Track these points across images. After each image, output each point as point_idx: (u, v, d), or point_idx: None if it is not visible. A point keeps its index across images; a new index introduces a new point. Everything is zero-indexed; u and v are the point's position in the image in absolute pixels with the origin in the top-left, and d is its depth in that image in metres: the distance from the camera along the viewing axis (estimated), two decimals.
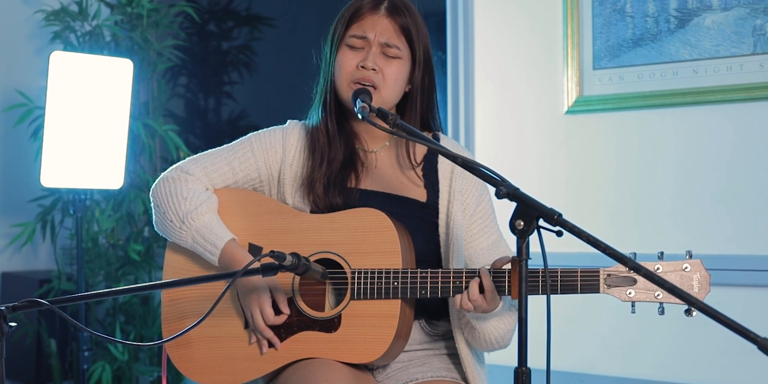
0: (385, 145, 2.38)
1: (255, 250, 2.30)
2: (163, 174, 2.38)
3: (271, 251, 1.95)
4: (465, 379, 2.29)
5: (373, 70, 2.25)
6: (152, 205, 2.37)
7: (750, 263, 3.24)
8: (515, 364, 1.68)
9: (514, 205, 1.72)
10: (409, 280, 2.13)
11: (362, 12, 2.29)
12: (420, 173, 2.35)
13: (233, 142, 2.43)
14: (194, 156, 2.42)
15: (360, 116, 2.09)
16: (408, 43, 2.29)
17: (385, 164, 2.37)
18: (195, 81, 5.36)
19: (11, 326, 1.72)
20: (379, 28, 2.27)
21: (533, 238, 1.71)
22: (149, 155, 4.63)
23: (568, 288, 2.04)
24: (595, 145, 3.60)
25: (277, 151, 2.37)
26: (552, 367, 1.74)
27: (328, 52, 2.35)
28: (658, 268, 2.01)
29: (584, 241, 1.64)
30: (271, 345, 2.23)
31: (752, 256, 3.25)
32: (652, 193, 3.47)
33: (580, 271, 2.04)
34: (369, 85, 2.24)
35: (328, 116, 2.34)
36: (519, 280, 1.69)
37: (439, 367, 2.29)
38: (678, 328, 3.35)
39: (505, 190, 1.73)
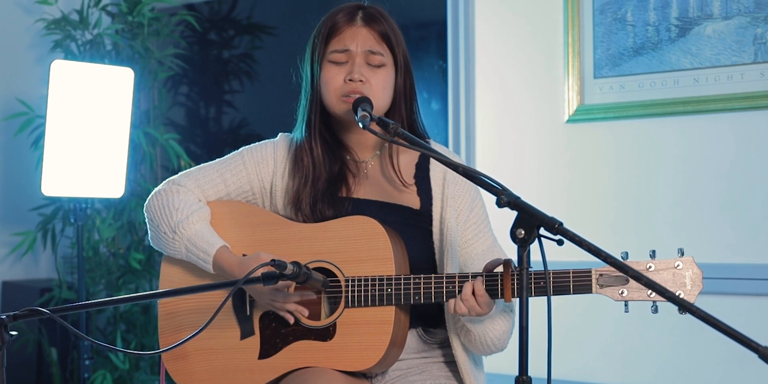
0: (376, 154, 2.38)
1: None
2: (155, 189, 2.39)
3: (272, 260, 1.95)
4: None
5: (360, 81, 2.23)
6: (146, 219, 2.37)
7: (751, 272, 3.23)
8: (515, 372, 1.67)
9: (514, 213, 1.72)
10: (402, 286, 2.13)
11: (339, 26, 2.28)
12: (412, 180, 2.34)
13: (225, 156, 2.43)
14: (186, 170, 2.43)
15: (361, 125, 2.08)
16: (389, 49, 2.29)
17: (377, 173, 2.37)
18: (196, 89, 5.35)
19: (12, 335, 1.72)
20: (360, 38, 2.26)
21: (534, 246, 1.71)
22: (150, 164, 4.63)
23: (561, 289, 2.04)
24: (595, 154, 3.60)
25: (268, 163, 2.38)
26: (552, 376, 1.74)
27: (309, 71, 2.33)
28: (650, 267, 2.00)
29: (585, 249, 1.64)
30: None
31: (753, 264, 3.24)
32: (653, 201, 3.47)
33: (572, 272, 2.03)
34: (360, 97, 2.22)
35: (312, 137, 2.33)
36: (520, 289, 1.69)
37: (438, 375, 2.29)
38: (678, 336, 3.35)
39: (505, 199, 1.74)
